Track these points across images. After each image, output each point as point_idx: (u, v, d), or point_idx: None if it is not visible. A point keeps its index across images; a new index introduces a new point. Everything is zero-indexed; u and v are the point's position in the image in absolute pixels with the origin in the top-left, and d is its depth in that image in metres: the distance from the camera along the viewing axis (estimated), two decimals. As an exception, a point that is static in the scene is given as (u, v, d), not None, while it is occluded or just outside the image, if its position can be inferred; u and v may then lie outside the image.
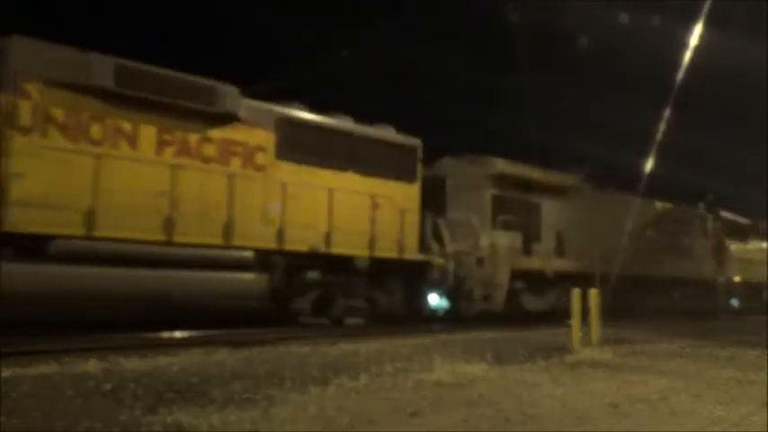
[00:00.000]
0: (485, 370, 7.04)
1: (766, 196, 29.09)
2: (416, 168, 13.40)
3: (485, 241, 15.00)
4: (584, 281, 16.88)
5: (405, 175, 13.12)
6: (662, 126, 20.15)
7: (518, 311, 15.72)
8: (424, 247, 13.30)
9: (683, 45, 17.55)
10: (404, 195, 13.01)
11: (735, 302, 25.08)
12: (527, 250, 16.50)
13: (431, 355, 7.71)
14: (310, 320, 11.89)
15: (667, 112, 20.10)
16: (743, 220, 26.12)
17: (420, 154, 13.50)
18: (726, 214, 25.04)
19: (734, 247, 25.01)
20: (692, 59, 17.49)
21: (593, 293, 10.05)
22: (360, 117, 12.88)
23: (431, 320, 13.60)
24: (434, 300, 13.67)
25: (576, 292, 9.79)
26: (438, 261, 13.41)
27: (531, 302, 16.54)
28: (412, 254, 12.98)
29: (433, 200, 14.38)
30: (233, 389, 5.52)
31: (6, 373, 5.92)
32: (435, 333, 11.22)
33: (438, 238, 13.69)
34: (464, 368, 6.91)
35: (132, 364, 6.76)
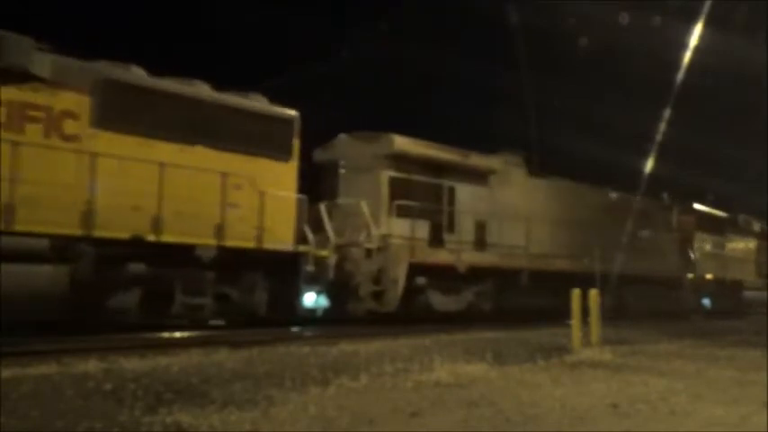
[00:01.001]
0: (485, 370, 7.05)
1: (766, 196, 28.97)
2: (292, 145, 11.51)
3: (378, 230, 13.02)
4: (510, 277, 15.29)
5: (275, 153, 11.25)
6: (659, 125, 20.09)
7: (423, 312, 13.80)
8: (299, 236, 11.41)
9: (683, 45, 17.57)
10: (272, 175, 11.12)
11: (707, 303, 22.69)
12: (436, 241, 14.35)
13: (431, 355, 7.70)
14: (142, 321, 9.99)
15: (666, 112, 20.09)
16: (719, 214, 24.07)
17: (297, 128, 11.58)
18: (699, 207, 23.00)
19: (707, 242, 22.99)
20: (692, 59, 17.50)
21: (593, 294, 10.04)
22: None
23: (304, 323, 11.96)
24: (311, 298, 11.69)
25: (576, 293, 9.79)
26: (316, 253, 11.45)
27: (440, 302, 14.28)
28: (279, 244, 11.06)
29: (326, 184, 13.01)
30: (233, 389, 5.52)
31: (6, 373, 5.91)
32: (435, 333, 11.21)
33: (319, 226, 11.89)
34: (464, 368, 6.93)
35: (132, 364, 6.75)
